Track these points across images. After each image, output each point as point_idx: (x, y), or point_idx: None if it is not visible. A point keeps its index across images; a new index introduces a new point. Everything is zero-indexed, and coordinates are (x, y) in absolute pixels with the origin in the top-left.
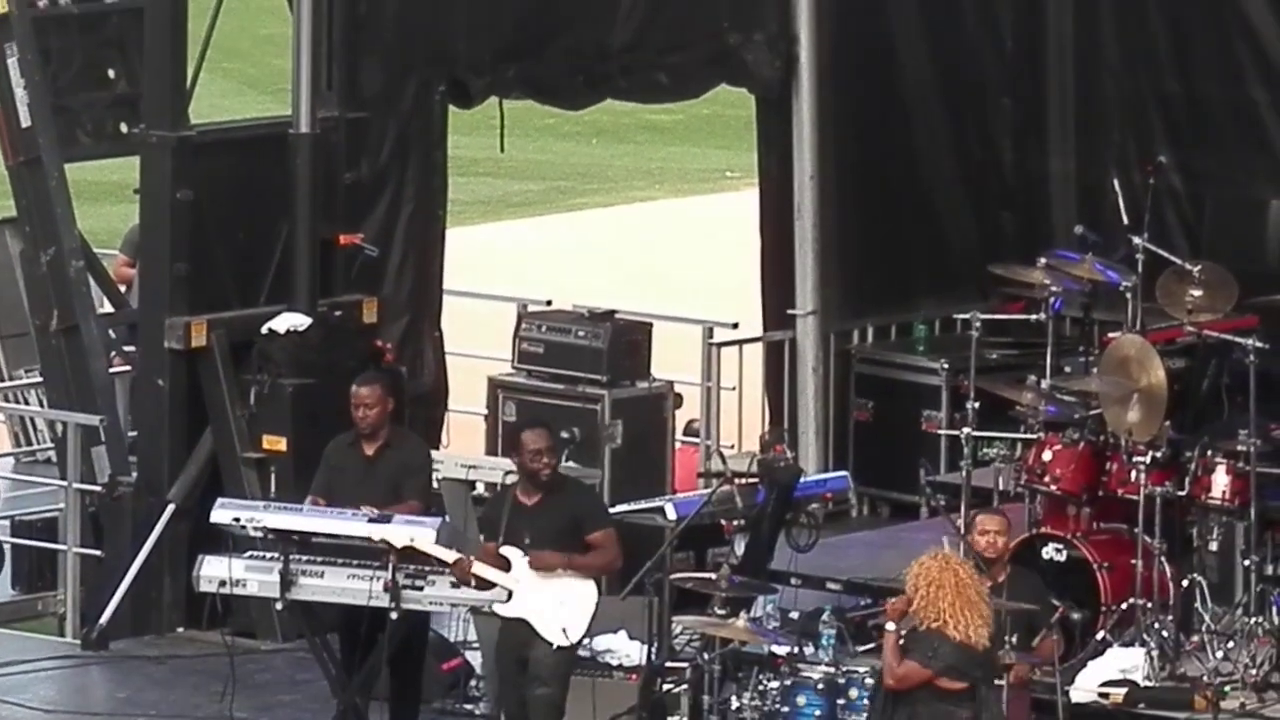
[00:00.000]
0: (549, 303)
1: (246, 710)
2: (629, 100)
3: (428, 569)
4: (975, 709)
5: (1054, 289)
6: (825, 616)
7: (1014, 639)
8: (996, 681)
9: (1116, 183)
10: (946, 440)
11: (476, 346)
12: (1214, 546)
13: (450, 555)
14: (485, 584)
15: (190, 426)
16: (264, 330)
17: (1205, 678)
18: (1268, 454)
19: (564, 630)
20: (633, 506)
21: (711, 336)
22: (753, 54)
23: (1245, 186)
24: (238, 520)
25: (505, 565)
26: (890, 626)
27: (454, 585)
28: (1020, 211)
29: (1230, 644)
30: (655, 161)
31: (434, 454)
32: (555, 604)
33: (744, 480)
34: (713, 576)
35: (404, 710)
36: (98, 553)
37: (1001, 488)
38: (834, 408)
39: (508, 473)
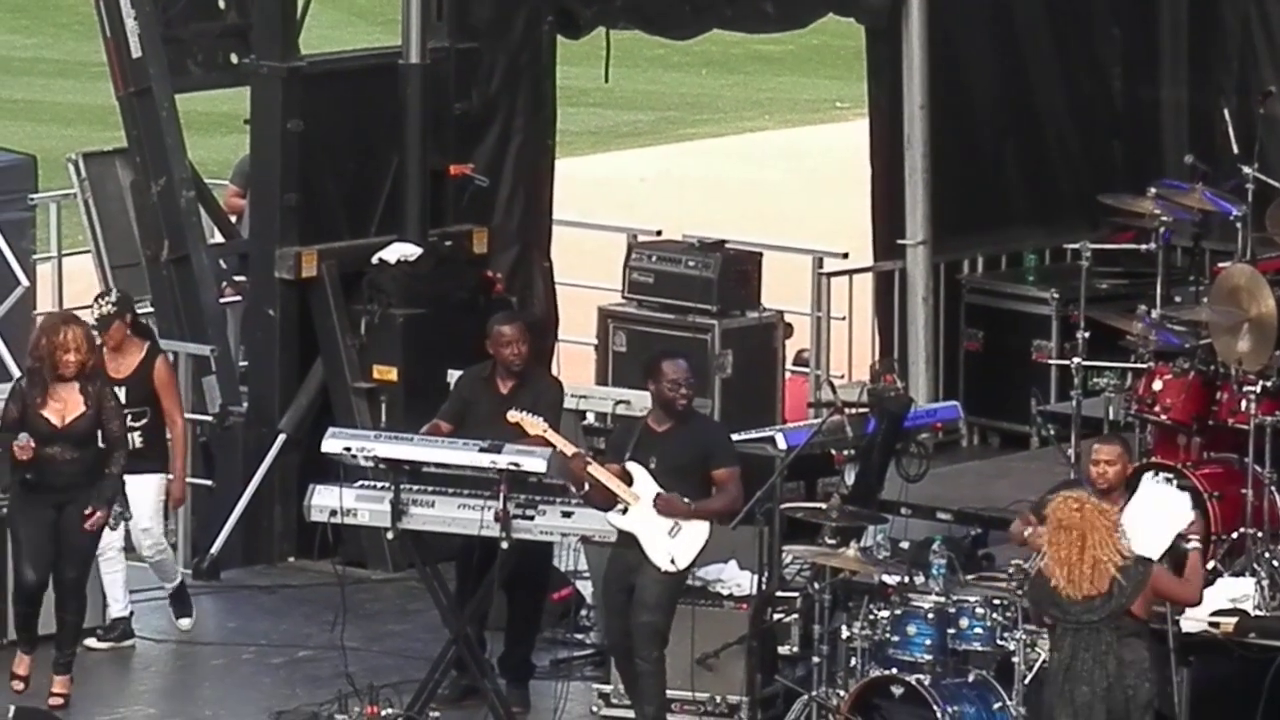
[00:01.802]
0: (659, 233)
1: (357, 640)
2: (735, 30)
3: (539, 498)
4: (1067, 648)
5: (1164, 219)
6: (936, 546)
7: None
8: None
9: (1227, 112)
10: (1057, 370)
11: (586, 277)
12: None
13: (570, 449)
14: (601, 491)
15: (301, 356)
16: (374, 260)
17: None
18: None
19: (671, 559)
20: (743, 436)
21: (821, 266)
22: None
23: None
24: (348, 450)
25: (628, 479)
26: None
27: (565, 515)
28: (1130, 141)
29: None
30: (764, 92)
31: None
32: (668, 529)
33: (854, 410)
34: (823, 506)
35: (520, 642)
36: (209, 483)
37: (1112, 417)
38: (944, 337)
39: (618, 402)
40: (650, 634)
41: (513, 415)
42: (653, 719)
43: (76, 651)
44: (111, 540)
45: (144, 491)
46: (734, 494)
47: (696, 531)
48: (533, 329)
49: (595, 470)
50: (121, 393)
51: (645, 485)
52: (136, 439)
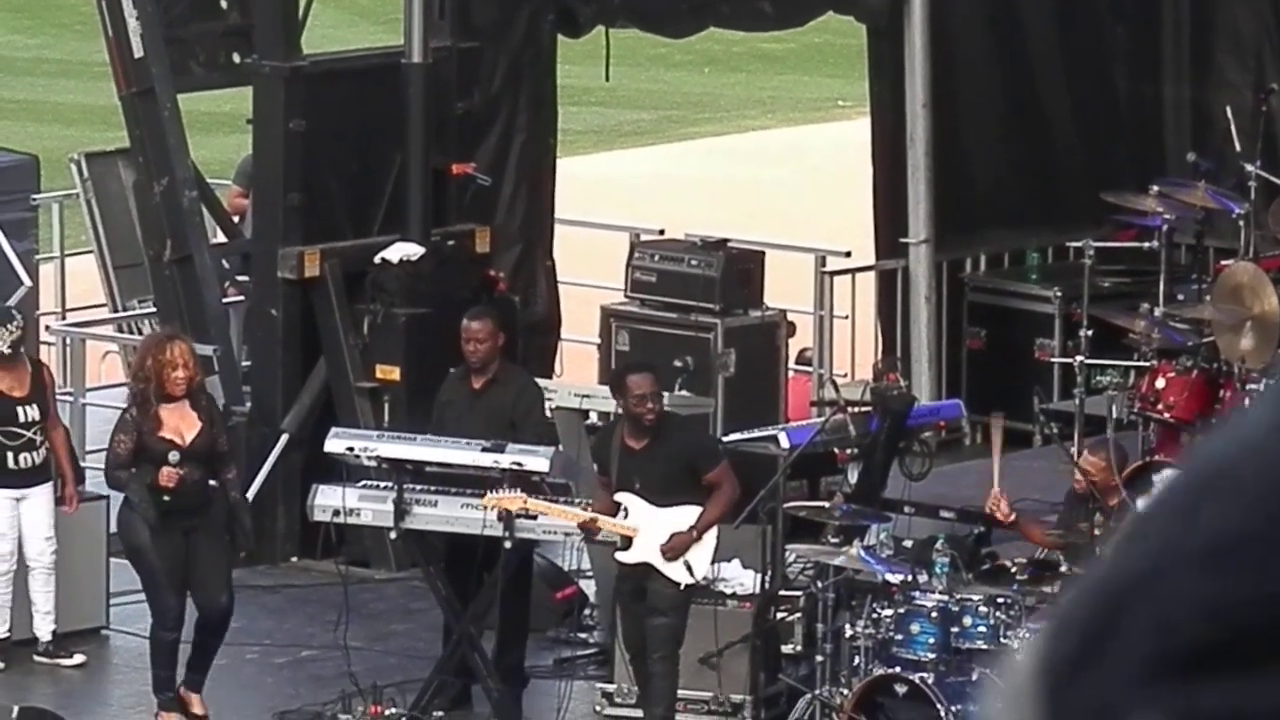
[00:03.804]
0: (661, 232)
1: (360, 639)
2: (733, 28)
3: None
4: None
5: (1167, 216)
6: (939, 544)
7: None
8: None
9: (1229, 109)
10: (1059, 368)
11: (589, 276)
12: None
13: (558, 509)
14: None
15: (304, 356)
16: (377, 260)
17: None
18: None
19: (688, 568)
20: (746, 435)
21: (824, 265)
22: None
23: None
24: (351, 450)
25: (622, 511)
26: None
27: None
28: (1133, 139)
29: None
30: (767, 90)
31: (547, 384)
32: None
33: (857, 408)
34: (826, 505)
35: (508, 646)
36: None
37: (1115, 416)
38: (946, 336)
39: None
40: (666, 635)
41: (488, 499)
42: (662, 716)
43: None
44: (48, 549)
45: (46, 501)
46: (729, 491)
47: (705, 538)
48: (535, 329)
49: (603, 522)
50: (34, 410)
51: (640, 514)
52: (44, 451)
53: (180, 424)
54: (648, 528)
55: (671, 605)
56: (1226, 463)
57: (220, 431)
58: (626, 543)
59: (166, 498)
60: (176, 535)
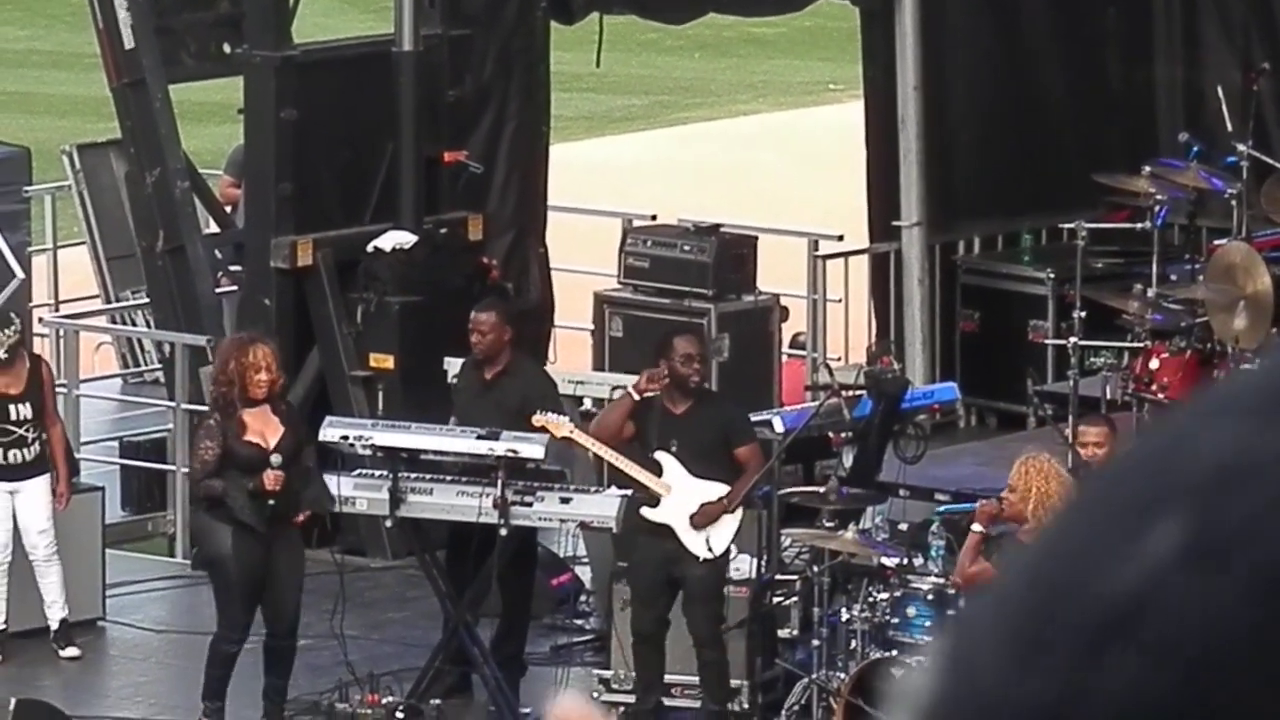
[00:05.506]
0: (654, 217)
1: (356, 628)
2: (731, 13)
3: (537, 485)
4: None
5: (1159, 197)
6: (934, 527)
7: None
8: None
9: (1221, 89)
10: (1053, 350)
11: (582, 262)
12: None
13: (603, 449)
14: (634, 483)
15: (297, 346)
16: (370, 248)
17: None
18: None
19: (708, 543)
20: None
21: (817, 249)
22: None
23: None
24: (346, 438)
25: (657, 470)
26: (976, 528)
27: (563, 501)
28: (1125, 120)
29: None
30: (758, 75)
31: None
32: None
33: (851, 392)
34: (821, 489)
35: (509, 634)
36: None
37: (1109, 397)
38: (940, 319)
39: (615, 388)
40: (715, 624)
41: (538, 419)
42: (723, 701)
43: None
44: (42, 543)
45: (42, 494)
46: (758, 471)
47: (728, 518)
48: (519, 319)
49: (624, 464)
50: (26, 408)
51: (675, 475)
52: (37, 447)
53: (264, 428)
54: (679, 491)
55: (712, 592)
56: (1126, 604)
57: (305, 438)
58: (655, 500)
59: (272, 501)
60: (259, 547)
